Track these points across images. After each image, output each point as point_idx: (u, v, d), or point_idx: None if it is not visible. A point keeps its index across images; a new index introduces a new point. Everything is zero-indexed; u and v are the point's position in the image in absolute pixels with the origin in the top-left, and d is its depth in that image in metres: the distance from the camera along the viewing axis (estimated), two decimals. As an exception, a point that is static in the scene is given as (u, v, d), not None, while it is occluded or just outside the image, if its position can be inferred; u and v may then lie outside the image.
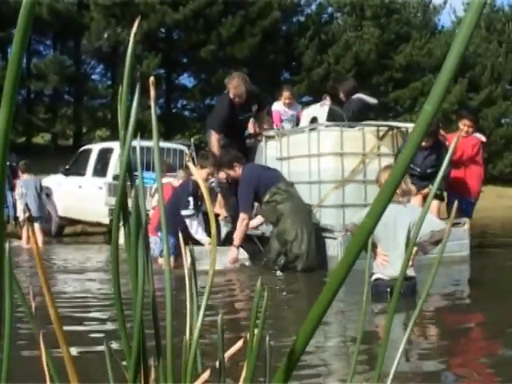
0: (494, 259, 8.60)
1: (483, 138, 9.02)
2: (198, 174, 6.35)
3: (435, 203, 8.26)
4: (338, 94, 9.42)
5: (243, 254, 8.00)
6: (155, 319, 1.04)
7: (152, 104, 1.01)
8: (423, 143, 7.62)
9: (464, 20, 0.60)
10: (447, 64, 0.60)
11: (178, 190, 8.26)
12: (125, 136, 0.95)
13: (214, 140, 8.76)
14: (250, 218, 8.07)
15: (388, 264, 5.39)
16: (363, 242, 0.70)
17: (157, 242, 7.19)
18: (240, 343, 1.07)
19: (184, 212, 7.78)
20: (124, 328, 1.01)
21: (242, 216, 7.81)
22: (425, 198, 7.82)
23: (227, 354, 1.10)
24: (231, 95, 8.70)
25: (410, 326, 1.06)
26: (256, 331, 0.95)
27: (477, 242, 8.55)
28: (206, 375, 1.07)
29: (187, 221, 7.79)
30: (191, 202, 7.80)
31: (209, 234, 7.40)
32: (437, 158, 8.02)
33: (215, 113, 9.09)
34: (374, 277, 5.46)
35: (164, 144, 13.39)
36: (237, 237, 7.81)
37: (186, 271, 1.14)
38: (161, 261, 7.10)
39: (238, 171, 8.03)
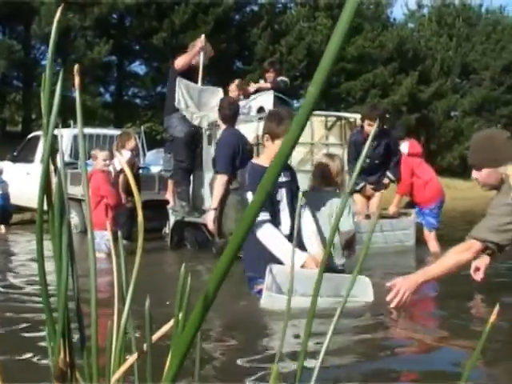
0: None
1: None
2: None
3: (378, 197, 8.39)
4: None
5: None
6: (78, 307, 1.04)
7: (77, 92, 1.02)
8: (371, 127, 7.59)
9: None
10: (331, 45, 0.65)
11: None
12: (48, 123, 0.95)
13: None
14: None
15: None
16: (253, 218, 0.73)
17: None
18: (167, 327, 1.08)
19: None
20: (50, 313, 1.02)
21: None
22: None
23: (154, 338, 1.11)
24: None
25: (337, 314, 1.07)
26: (180, 315, 0.97)
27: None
28: (132, 359, 1.08)
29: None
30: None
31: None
32: (386, 150, 8.07)
33: None
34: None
35: (114, 131, 13.36)
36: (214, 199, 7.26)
37: (113, 260, 1.14)
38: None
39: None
